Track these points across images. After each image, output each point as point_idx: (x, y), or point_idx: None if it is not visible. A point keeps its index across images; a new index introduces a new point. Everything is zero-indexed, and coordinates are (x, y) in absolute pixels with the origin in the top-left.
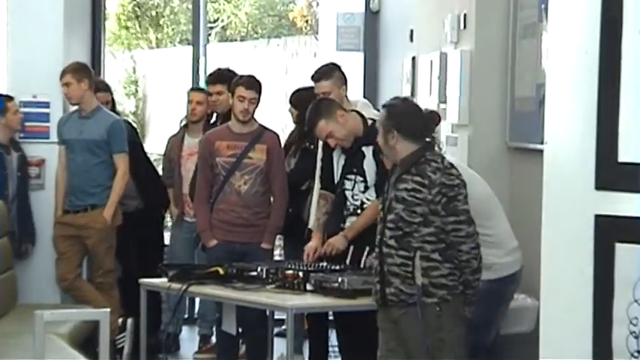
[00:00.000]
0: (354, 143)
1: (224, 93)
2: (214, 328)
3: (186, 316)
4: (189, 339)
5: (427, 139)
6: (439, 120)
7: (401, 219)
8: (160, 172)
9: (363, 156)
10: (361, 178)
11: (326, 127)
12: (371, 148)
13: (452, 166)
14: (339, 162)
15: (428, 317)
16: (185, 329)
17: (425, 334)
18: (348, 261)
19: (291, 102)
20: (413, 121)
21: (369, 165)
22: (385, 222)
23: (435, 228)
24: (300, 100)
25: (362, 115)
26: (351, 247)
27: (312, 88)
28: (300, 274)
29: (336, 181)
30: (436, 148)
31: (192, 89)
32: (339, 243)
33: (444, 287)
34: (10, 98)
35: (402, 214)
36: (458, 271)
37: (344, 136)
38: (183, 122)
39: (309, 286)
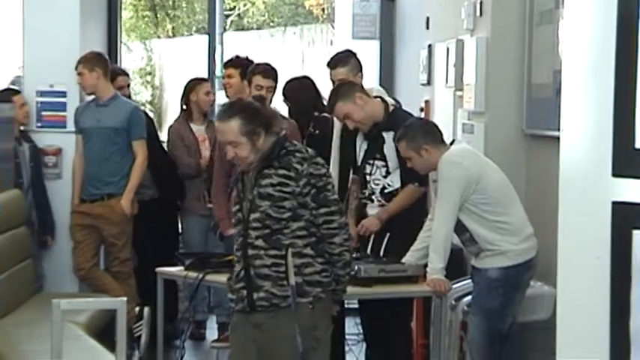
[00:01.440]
0: (373, 128)
1: (234, 77)
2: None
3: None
4: (209, 327)
5: (282, 130)
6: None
7: (268, 216)
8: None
9: (384, 141)
10: (382, 163)
11: (342, 108)
12: (391, 133)
13: (316, 155)
14: (361, 147)
15: (301, 318)
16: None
17: (300, 336)
18: (369, 249)
19: (284, 94)
20: (264, 113)
21: (389, 150)
22: (248, 222)
23: (304, 222)
24: (289, 90)
25: (385, 102)
26: (372, 235)
27: (304, 77)
28: None
29: (358, 166)
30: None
31: (202, 80)
32: (372, 225)
33: (318, 284)
34: (16, 92)
35: (269, 211)
36: (329, 266)
37: (361, 118)
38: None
39: None
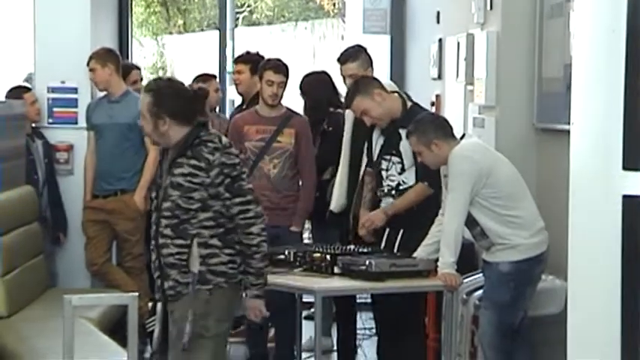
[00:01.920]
0: (391, 124)
1: (244, 72)
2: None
3: None
4: None
5: (200, 119)
6: (207, 95)
7: (177, 206)
8: None
9: (400, 138)
10: (398, 159)
11: (360, 103)
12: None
13: (230, 145)
14: (377, 142)
15: (196, 304)
16: None
17: (191, 323)
18: (383, 244)
19: (301, 88)
20: (180, 102)
21: (405, 147)
22: (160, 211)
23: (213, 212)
24: (306, 84)
25: (403, 98)
26: (387, 230)
27: (322, 72)
28: (328, 257)
29: (373, 161)
30: (212, 129)
31: (210, 77)
32: (378, 219)
33: (222, 274)
34: (27, 89)
35: (179, 202)
36: (240, 258)
37: (379, 115)
38: None
39: (336, 269)
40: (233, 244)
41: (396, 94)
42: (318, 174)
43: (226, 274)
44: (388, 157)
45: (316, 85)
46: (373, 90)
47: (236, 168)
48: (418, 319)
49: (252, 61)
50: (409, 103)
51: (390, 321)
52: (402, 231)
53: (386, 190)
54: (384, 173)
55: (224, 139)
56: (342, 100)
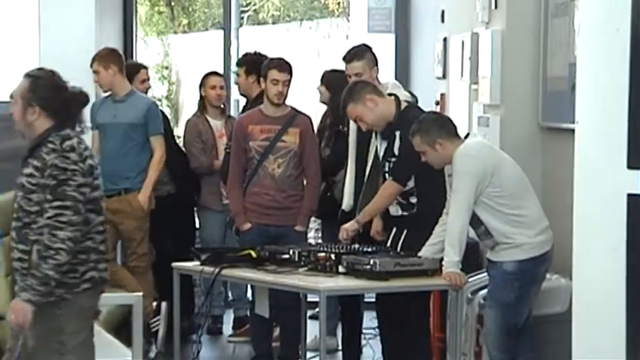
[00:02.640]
0: (387, 127)
1: (240, 75)
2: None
3: (230, 298)
4: (225, 322)
5: (71, 120)
6: (86, 101)
7: (20, 208)
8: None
9: (394, 140)
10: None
11: (353, 110)
12: (399, 132)
13: (72, 149)
14: (381, 145)
15: (44, 319)
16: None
17: (44, 338)
18: (388, 243)
19: (322, 81)
20: (56, 97)
21: (397, 148)
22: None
23: None
24: (333, 81)
25: (397, 99)
26: (393, 230)
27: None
28: (333, 256)
29: (376, 165)
30: (71, 131)
31: (210, 74)
32: (350, 226)
33: (63, 285)
34: None
35: (22, 203)
36: (72, 265)
37: (372, 120)
38: (201, 106)
39: (341, 269)
40: (76, 253)
41: (390, 97)
42: (331, 174)
43: (67, 285)
44: (389, 159)
45: (341, 84)
46: (365, 96)
47: (66, 172)
48: (422, 318)
49: (248, 63)
50: (403, 105)
51: (394, 320)
52: (405, 231)
53: None
54: (387, 176)
55: (68, 143)
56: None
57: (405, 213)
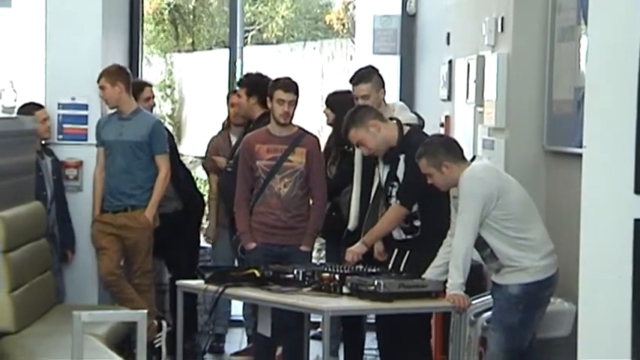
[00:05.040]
0: (389, 152)
1: (241, 96)
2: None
3: (236, 318)
4: (229, 341)
5: None
6: None
7: None
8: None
9: (397, 164)
10: (398, 187)
11: (355, 135)
12: (403, 155)
13: None
14: (384, 169)
15: None
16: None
17: None
18: (390, 265)
19: (327, 104)
20: None
21: (400, 172)
22: None
23: None
24: (337, 103)
25: (399, 123)
26: (395, 251)
27: (349, 91)
28: (337, 276)
29: (380, 188)
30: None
31: (232, 92)
32: (358, 249)
33: None
34: (39, 107)
35: None
36: None
37: (374, 146)
38: (225, 123)
39: (345, 289)
40: None
41: (392, 122)
42: (336, 194)
43: None
44: (392, 182)
45: (345, 104)
46: (368, 121)
47: None
48: (424, 340)
49: (248, 84)
50: (405, 129)
51: (394, 341)
52: (408, 252)
53: None
54: (391, 200)
55: None
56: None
57: (408, 237)
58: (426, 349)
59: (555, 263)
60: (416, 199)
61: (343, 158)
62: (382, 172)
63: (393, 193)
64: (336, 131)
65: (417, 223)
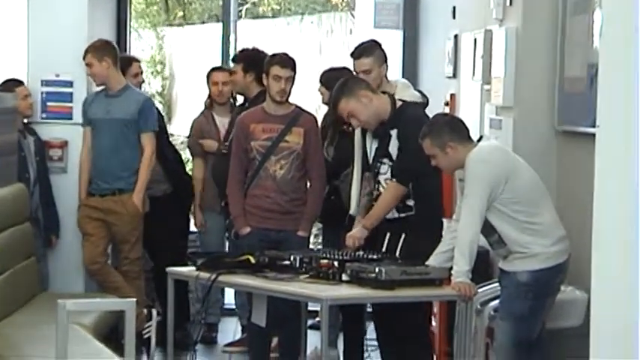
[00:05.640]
0: (380, 126)
1: (237, 72)
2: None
3: (229, 306)
4: (222, 330)
5: None
6: None
7: None
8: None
9: (389, 139)
10: (390, 163)
11: (346, 106)
12: (395, 130)
13: None
14: (372, 145)
15: None
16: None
17: None
18: (384, 249)
19: (321, 82)
20: None
21: (393, 148)
22: None
23: None
24: (332, 80)
25: (392, 97)
26: (387, 235)
27: (344, 68)
28: (336, 263)
29: (370, 165)
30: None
31: (213, 69)
32: (359, 233)
33: None
34: (19, 83)
35: None
36: None
37: (366, 117)
38: (207, 103)
39: (344, 277)
40: None
41: (384, 95)
42: (336, 177)
43: None
44: (382, 159)
45: (337, 80)
46: (359, 91)
47: None
48: (425, 330)
49: (246, 60)
50: (398, 102)
51: (394, 332)
52: (403, 236)
53: (374, 196)
54: (379, 177)
55: None
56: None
57: (401, 215)
58: (427, 340)
59: (566, 249)
60: (413, 176)
61: (342, 138)
62: (370, 148)
63: (382, 170)
64: (333, 110)
65: (410, 202)
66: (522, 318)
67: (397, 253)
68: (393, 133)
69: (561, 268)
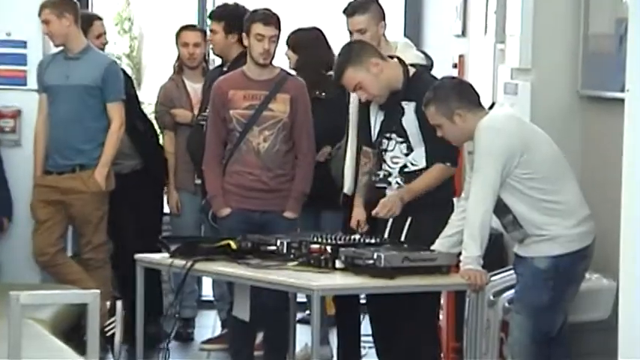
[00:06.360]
0: (390, 97)
1: (217, 32)
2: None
3: (207, 298)
4: (199, 326)
5: None
6: None
7: None
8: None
9: (403, 112)
10: (401, 139)
11: (354, 76)
12: (413, 104)
13: None
14: (377, 117)
15: None
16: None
17: None
18: (387, 234)
19: (288, 44)
20: None
21: (410, 123)
22: None
23: None
24: (300, 42)
25: (403, 63)
26: (390, 218)
27: (314, 28)
28: (328, 248)
29: (372, 140)
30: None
31: (182, 28)
32: (395, 206)
33: None
34: None
35: None
36: None
37: (376, 90)
38: (176, 67)
39: (338, 263)
40: None
41: (395, 60)
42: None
43: None
44: (389, 135)
45: (307, 42)
46: (368, 59)
47: None
48: (431, 324)
49: (227, 17)
50: (412, 70)
51: (394, 327)
52: (409, 218)
53: (382, 175)
54: (385, 155)
55: None
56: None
57: None
58: (434, 336)
59: (591, 231)
60: (456, 154)
61: (315, 107)
62: (375, 121)
63: (389, 147)
64: (304, 74)
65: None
66: (541, 310)
67: (402, 239)
68: (408, 107)
69: (585, 253)
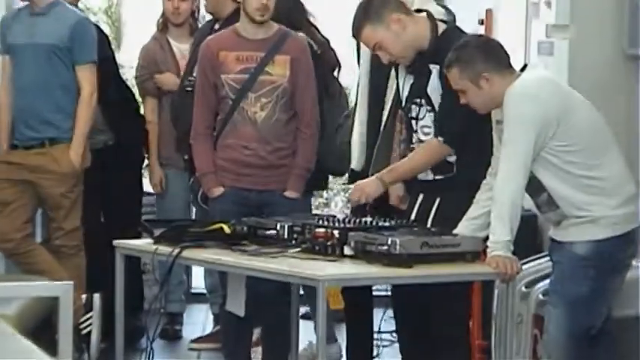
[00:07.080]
0: (418, 57)
1: None
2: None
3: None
4: (188, 322)
5: None
6: None
7: None
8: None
9: (429, 77)
10: (429, 107)
11: (372, 35)
12: (438, 67)
13: None
14: (405, 80)
15: None
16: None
17: None
18: (413, 216)
19: None
20: None
21: (433, 90)
22: None
23: None
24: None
25: (432, 18)
26: (420, 196)
27: None
28: (336, 232)
29: (402, 105)
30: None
31: None
32: (370, 188)
33: None
34: None
35: None
36: None
37: (399, 50)
38: (160, 24)
39: (347, 250)
40: None
41: (422, 15)
42: None
43: None
44: (419, 100)
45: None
46: (389, 15)
47: None
48: (460, 321)
49: None
50: (442, 26)
51: (419, 324)
52: (438, 199)
53: (415, 145)
54: (415, 123)
55: None
56: (311, 20)
57: (438, 177)
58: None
59: (638, 212)
60: (462, 133)
61: None
62: (403, 86)
63: (420, 115)
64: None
65: (452, 158)
66: (581, 303)
67: (430, 222)
68: (435, 69)
69: (631, 238)
